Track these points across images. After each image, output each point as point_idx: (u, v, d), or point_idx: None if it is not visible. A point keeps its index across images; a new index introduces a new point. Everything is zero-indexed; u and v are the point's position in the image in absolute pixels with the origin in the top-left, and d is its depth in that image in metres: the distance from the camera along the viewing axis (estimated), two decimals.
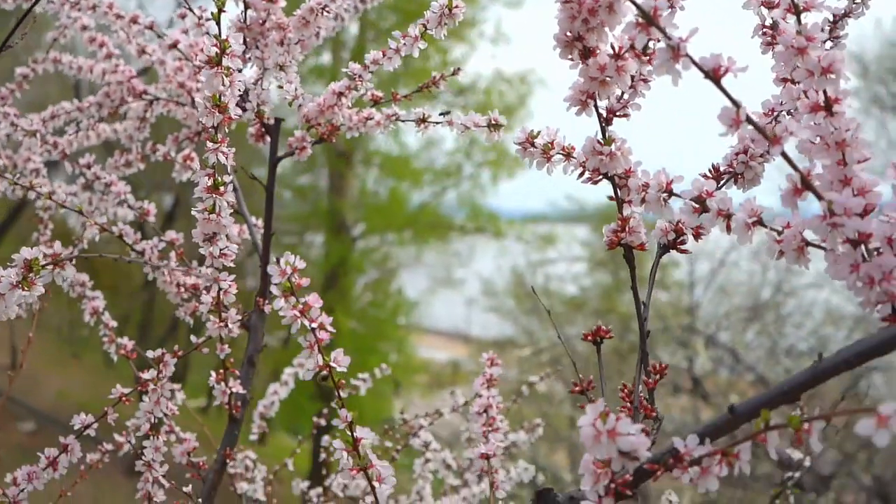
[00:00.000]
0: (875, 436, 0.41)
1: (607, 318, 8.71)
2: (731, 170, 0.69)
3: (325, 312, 0.63)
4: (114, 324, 1.10)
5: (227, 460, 1.00)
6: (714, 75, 0.51)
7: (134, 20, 1.10)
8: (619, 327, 8.28)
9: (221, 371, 0.97)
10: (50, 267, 0.66)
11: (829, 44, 0.73)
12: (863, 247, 0.53)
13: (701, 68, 0.51)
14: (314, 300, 0.63)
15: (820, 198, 0.52)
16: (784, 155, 0.52)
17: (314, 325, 0.63)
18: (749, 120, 0.51)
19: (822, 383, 0.51)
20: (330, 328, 0.64)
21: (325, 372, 0.64)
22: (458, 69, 1.01)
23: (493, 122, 0.85)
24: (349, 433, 0.65)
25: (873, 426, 0.41)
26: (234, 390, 0.98)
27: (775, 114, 0.70)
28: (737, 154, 0.69)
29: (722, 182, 0.70)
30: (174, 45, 1.06)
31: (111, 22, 1.11)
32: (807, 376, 0.51)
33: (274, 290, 0.62)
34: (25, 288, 0.67)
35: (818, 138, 0.55)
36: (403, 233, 11.61)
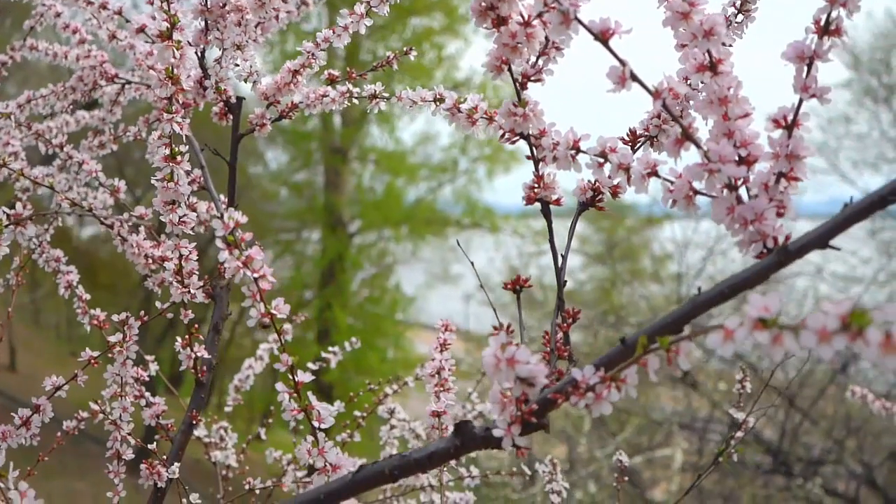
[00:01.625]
0: (720, 348, 0.46)
1: (602, 310, 8.78)
2: (646, 133, 0.74)
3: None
4: (87, 296, 1.15)
5: (194, 422, 1.05)
6: (602, 37, 0.56)
7: (103, 6, 1.15)
8: (615, 319, 8.35)
9: (187, 336, 1.02)
10: (12, 227, 0.71)
11: (740, 17, 0.78)
12: (745, 192, 0.59)
13: (590, 31, 0.56)
14: (256, 252, 0.68)
15: (699, 147, 0.57)
16: (665, 108, 0.57)
17: (257, 275, 0.68)
18: (633, 77, 0.56)
19: (702, 313, 0.56)
20: (272, 278, 0.69)
21: (266, 319, 0.69)
22: (411, 49, 1.06)
23: (438, 97, 0.91)
24: (291, 377, 0.71)
25: (721, 339, 0.46)
26: (199, 355, 1.03)
27: (688, 81, 0.75)
28: (652, 118, 0.74)
29: (639, 144, 0.75)
30: (141, 30, 1.11)
31: (81, 8, 1.16)
32: (688, 307, 0.56)
33: (218, 242, 0.67)
34: None
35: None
36: (400, 228, 11.67)
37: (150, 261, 1.07)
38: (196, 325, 1.03)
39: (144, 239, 1.07)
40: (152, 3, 1.10)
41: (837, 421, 6.20)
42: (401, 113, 11.73)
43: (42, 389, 1.01)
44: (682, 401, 7.50)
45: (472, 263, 0.98)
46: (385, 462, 0.64)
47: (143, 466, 1.01)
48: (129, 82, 1.25)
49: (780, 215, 0.57)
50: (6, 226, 0.70)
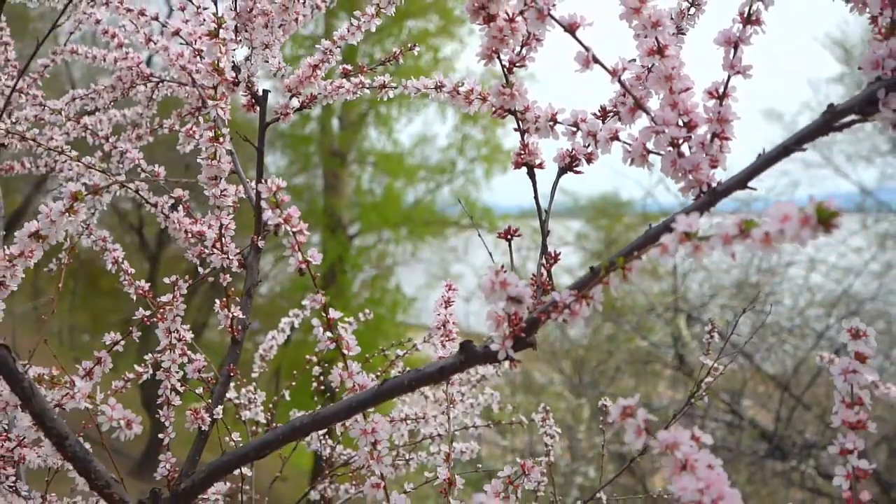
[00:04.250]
0: (661, 259, 0.61)
1: (602, 311, 8.92)
2: (614, 109, 0.89)
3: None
4: (132, 270, 1.30)
5: (231, 374, 1.20)
6: (570, 29, 0.72)
7: (141, 13, 1.30)
8: (614, 315, 8.52)
9: (225, 299, 1.17)
10: (90, 196, 0.86)
11: (692, 10, 0.93)
12: (687, 148, 0.74)
13: (560, 24, 0.71)
14: (294, 211, 0.83)
15: (648, 114, 0.72)
16: (622, 83, 0.72)
17: (295, 229, 0.83)
18: (595, 60, 0.71)
19: (651, 244, 0.71)
20: (306, 232, 0.84)
21: (304, 266, 0.84)
22: (415, 44, 1.22)
23: (438, 84, 1.06)
24: (324, 315, 0.86)
25: (659, 252, 0.61)
26: (235, 315, 1.18)
27: (648, 67, 0.90)
28: (618, 97, 0.89)
29: (608, 119, 0.90)
30: (176, 33, 1.26)
31: (122, 15, 1.31)
32: (641, 239, 0.71)
33: (263, 203, 0.82)
34: (72, 214, 0.87)
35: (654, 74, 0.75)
36: (399, 230, 11.82)
37: (189, 235, 1.22)
38: (232, 289, 1.19)
39: (184, 216, 1.22)
40: (183, 10, 1.26)
41: (830, 406, 6.34)
42: (398, 115, 11.91)
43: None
44: (681, 390, 7.64)
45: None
46: (404, 375, 0.79)
47: (188, 413, 1.17)
48: (162, 80, 1.40)
49: (713, 167, 0.73)
50: (86, 195, 0.85)
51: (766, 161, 0.67)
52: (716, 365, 1.31)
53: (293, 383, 1.67)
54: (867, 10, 0.69)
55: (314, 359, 1.69)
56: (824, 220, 0.48)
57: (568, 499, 6.23)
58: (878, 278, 8.35)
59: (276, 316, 1.93)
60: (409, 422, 1.30)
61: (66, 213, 0.87)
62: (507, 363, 0.81)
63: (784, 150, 0.67)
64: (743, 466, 6.64)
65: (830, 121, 0.66)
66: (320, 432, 1.54)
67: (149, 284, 1.26)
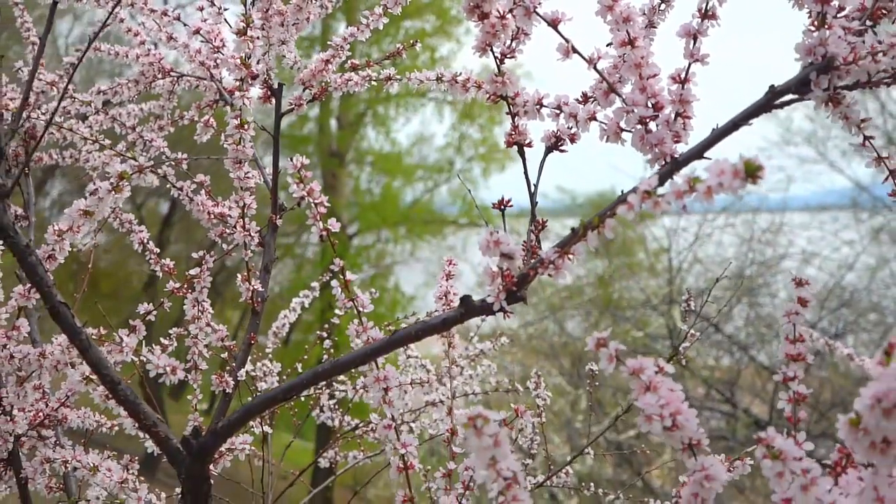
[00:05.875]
0: (628, 215, 0.73)
1: (601, 302, 9.09)
2: (593, 95, 1.01)
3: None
4: (157, 250, 1.41)
5: (252, 342, 1.32)
6: (553, 23, 0.83)
7: (164, 13, 1.42)
8: (613, 309, 8.66)
9: (245, 273, 1.29)
10: (136, 174, 0.98)
11: (663, 5, 1.05)
12: (654, 126, 0.86)
13: (545, 19, 0.83)
14: (316, 185, 0.95)
15: (619, 96, 0.84)
16: (597, 70, 0.84)
17: (317, 201, 0.95)
18: (574, 50, 0.83)
19: (622, 203, 0.82)
20: (327, 204, 0.96)
21: (324, 233, 0.96)
22: (416, 41, 1.33)
23: (439, 76, 1.18)
24: (342, 277, 0.98)
25: (626, 210, 0.73)
26: (255, 288, 1.30)
27: (621, 56, 1.01)
28: (597, 83, 1.01)
29: (588, 103, 1.01)
30: (197, 31, 1.37)
31: (146, 15, 1.43)
32: (614, 204, 0.83)
33: (289, 178, 0.94)
34: (118, 192, 0.99)
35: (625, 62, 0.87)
36: (398, 229, 11.94)
37: (211, 216, 1.33)
38: (251, 266, 1.30)
39: (206, 199, 1.34)
40: (202, 10, 1.38)
41: (823, 394, 6.50)
42: (396, 115, 12.04)
43: None
44: (677, 382, 7.75)
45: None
46: (411, 326, 0.91)
47: (213, 377, 1.28)
48: (182, 75, 1.52)
49: (676, 141, 0.84)
50: (131, 174, 0.97)
51: (718, 134, 0.79)
52: (693, 332, 1.43)
53: (305, 357, 1.80)
54: (805, 5, 0.81)
55: (324, 334, 1.82)
56: (751, 172, 0.60)
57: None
58: (872, 272, 8.48)
59: (275, 316, 2.00)
60: (413, 386, 1.42)
61: (113, 191, 0.99)
62: (502, 338, 0.92)
63: (733, 126, 0.78)
64: (738, 456, 6.76)
65: (771, 99, 0.78)
66: (331, 402, 1.65)
67: (166, 266, 1.37)
